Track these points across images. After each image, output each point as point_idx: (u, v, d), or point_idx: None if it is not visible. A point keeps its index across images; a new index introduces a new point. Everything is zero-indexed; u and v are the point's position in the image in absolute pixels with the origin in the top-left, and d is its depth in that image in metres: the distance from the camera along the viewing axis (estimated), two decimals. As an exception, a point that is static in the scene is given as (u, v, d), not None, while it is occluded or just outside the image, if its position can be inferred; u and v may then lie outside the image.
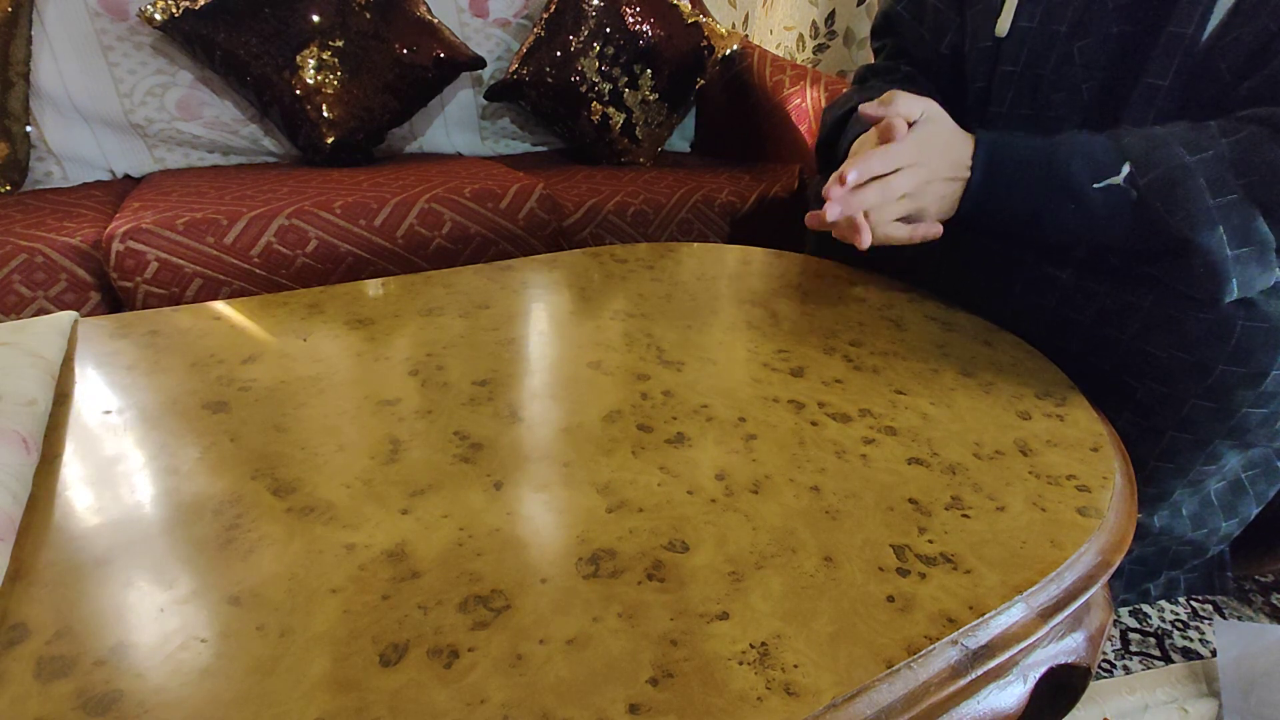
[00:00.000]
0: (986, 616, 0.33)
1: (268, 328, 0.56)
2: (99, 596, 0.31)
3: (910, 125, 0.59)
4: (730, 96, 1.48)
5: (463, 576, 0.33)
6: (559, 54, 1.28)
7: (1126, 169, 0.53)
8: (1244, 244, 0.51)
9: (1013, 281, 0.65)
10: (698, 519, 0.38)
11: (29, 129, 1.06)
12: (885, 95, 0.60)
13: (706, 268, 0.74)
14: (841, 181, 0.55)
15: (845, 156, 0.66)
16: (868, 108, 0.60)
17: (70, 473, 0.39)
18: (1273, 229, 0.51)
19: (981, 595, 0.34)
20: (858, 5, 1.58)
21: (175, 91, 1.14)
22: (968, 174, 0.58)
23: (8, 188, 1.03)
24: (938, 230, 0.60)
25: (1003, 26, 0.65)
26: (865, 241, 0.57)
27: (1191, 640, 0.76)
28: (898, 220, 0.59)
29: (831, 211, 0.56)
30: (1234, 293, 0.52)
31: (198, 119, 1.17)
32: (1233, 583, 0.82)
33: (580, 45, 1.28)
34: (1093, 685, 0.69)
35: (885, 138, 0.58)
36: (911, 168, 0.57)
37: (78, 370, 0.49)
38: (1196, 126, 0.53)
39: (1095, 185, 0.54)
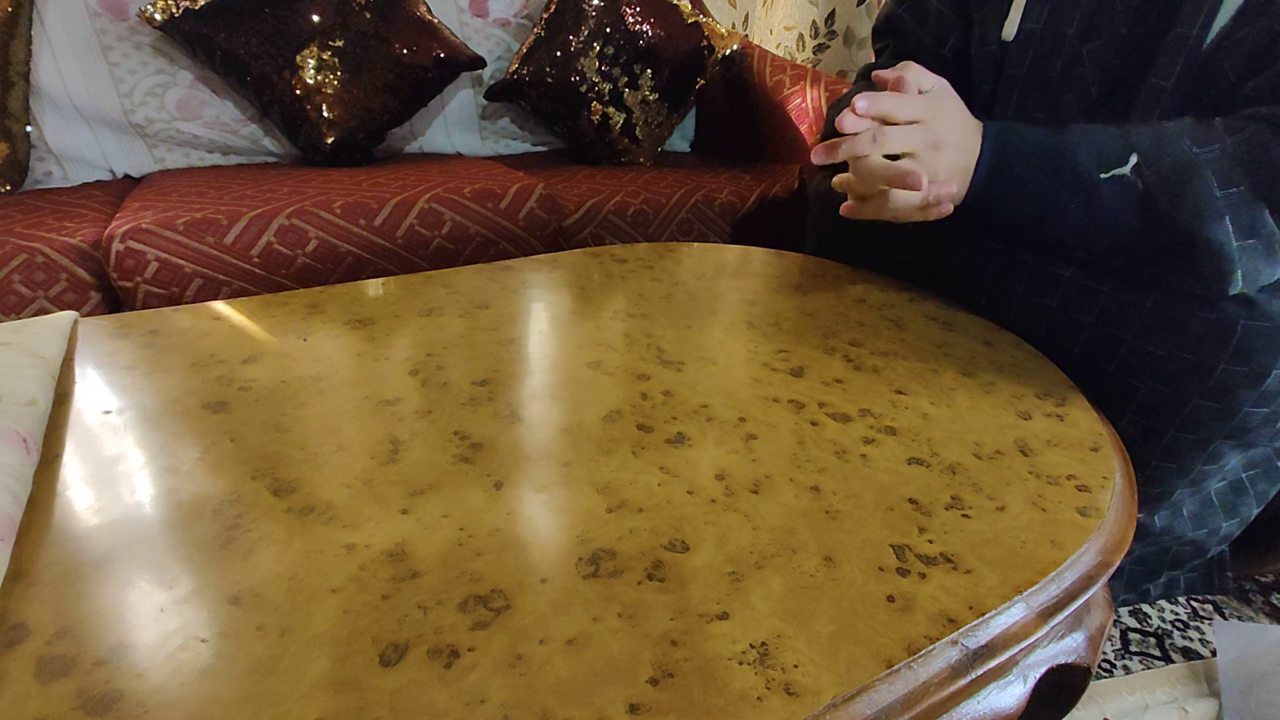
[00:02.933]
0: (986, 616, 0.33)
1: (268, 328, 0.56)
2: (99, 596, 0.31)
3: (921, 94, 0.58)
4: (730, 96, 1.48)
5: (463, 576, 0.33)
6: (559, 54, 1.28)
7: (1133, 159, 0.53)
8: (1250, 236, 0.51)
9: (1015, 282, 0.65)
10: (698, 519, 0.38)
11: (29, 129, 1.06)
12: (900, 65, 0.59)
13: (706, 268, 0.74)
14: (853, 110, 0.54)
15: None
16: (882, 72, 0.59)
17: (70, 473, 0.39)
18: (1278, 223, 0.51)
19: (981, 595, 0.34)
20: (858, 5, 1.58)
21: (175, 91, 1.14)
22: (975, 152, 0.57)
23: (8, 188, 1.03)
24: (947, 207, 0.58)
25: (1009, 30, 0.65)
26: (920, 183, 0.54)
27: (1191, 640, 0.76)
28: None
29: (847, 123, 0.54)
30: (1238, 285, 0.52)
31: (198, 119, 1.17)
32: (1233, 583, 0.82)
33: (580, 45, 1.28)
34: (1093, 685, 0.69)
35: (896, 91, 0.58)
36: (921, 124, 0.56)
37: (78, 370, 0.49)
38: (1201, 123, 0.53)
39: (1102, 175, 0.54)
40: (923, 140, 0.56)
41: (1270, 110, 0.52)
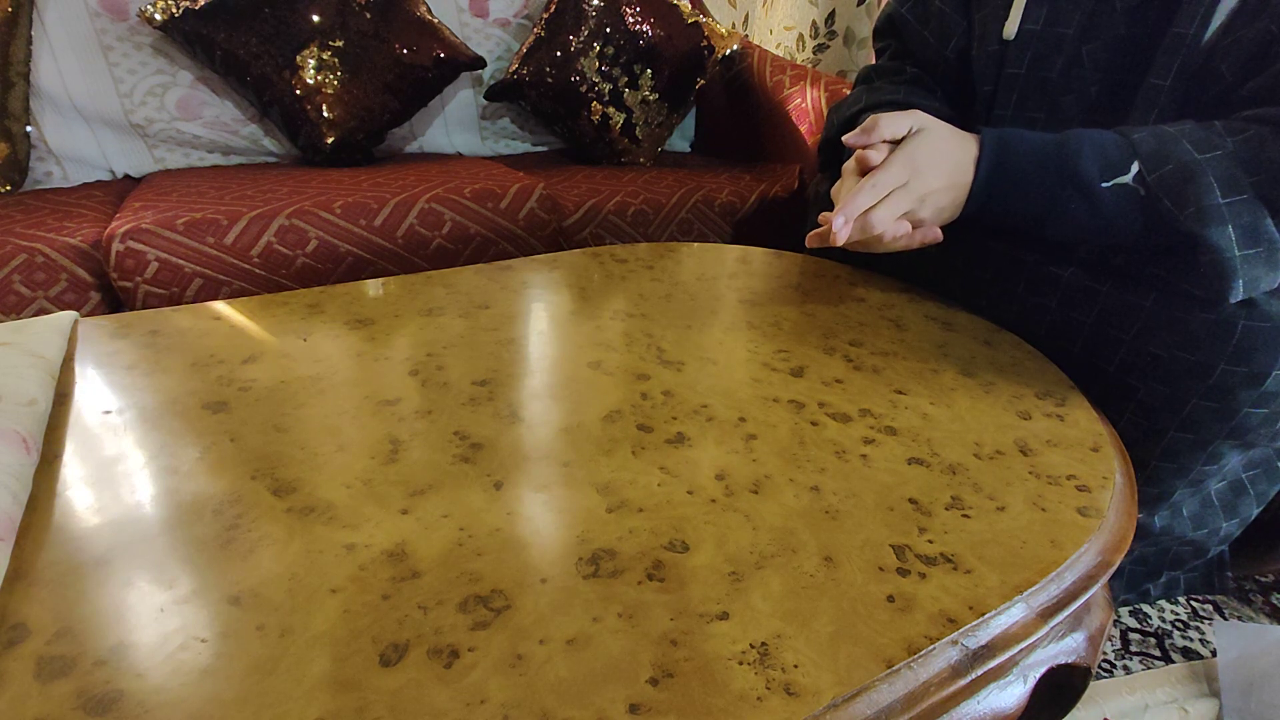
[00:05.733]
0: (986, 616, 0.33)
1: (268, 328, 0.56)
2: (99, 596, 0.31)
3: (899, 143, 0.59)
4: (730, 96, 1.48)
5: (463, 576, 0.33)
6: (559, 54, 1.28)
7: (1135, 168, 0.53)
8: (1252, 245, 0.51)
9: (1015, 281, 0.65)
10: (698, 519, 0.38)
11: (29, 129, 1.06)
12: (867, 121, 0.59)
13: (706, 268, 0.74)
14: (831, 228, 0.56)
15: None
16: (851, 138, 0.60)
17: (70, 473, 0.39)
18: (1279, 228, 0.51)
19: (981, 595, 0.34)
20: (858, 5, 1.58)
21: (175, 91, 1.14)
22: (969, 178, 0.58)
23: (8, 188, 1.03)
24: (937, 235, 0.61)
25: (1010, 29, 0.65)
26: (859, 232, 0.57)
27: (1191, 640, 0.76)
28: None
29: (840, 236, 0.56)
30: (1240, 293, 0.52)
31: (198, 119, 1.17)
32: (1233, 583, 0.82)
33: (580, 45, 1.28)
34: (1093, 685, 0.69)
35: (863, 168, 0.59)
36: (903, 188, 0.57)
37: (78, 370, 0.49)
38: (1202, 125, 0.53)
39: (1104, 184, 0.54)
40: (909, 201, 0.57)
41: (1270, 112, 0.52)
